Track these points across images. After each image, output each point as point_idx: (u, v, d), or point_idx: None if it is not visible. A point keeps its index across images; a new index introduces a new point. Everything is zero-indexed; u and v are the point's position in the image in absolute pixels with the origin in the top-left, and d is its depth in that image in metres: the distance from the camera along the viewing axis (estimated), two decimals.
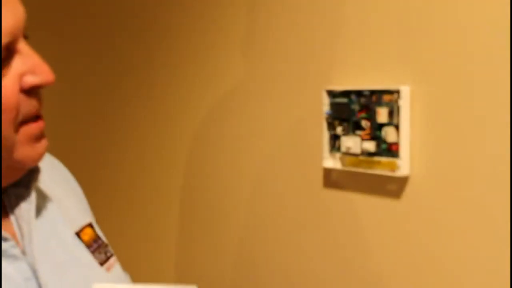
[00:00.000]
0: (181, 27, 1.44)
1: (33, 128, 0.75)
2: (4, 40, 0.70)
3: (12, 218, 0.80)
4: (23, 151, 0.75)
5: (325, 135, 1.09)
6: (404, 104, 0.97)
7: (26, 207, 0.80)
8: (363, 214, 1.07)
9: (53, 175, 0.91)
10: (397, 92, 0.98)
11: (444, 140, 0.95)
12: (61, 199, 0.88)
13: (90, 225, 0.90)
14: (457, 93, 0.93)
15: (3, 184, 0.78)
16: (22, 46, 0.73)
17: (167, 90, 1.49)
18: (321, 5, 1.12)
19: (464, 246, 0.93)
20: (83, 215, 0.90)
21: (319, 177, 1.13)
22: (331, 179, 1.12)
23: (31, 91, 0.74)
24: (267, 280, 1.26)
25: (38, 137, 0.77)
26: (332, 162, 1.10)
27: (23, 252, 0.77)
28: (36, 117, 0.76)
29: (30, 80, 0.73)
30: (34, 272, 0.76)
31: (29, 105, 0.74)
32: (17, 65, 0.73)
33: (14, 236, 0.78)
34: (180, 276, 1.48)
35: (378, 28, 1.02)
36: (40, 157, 0.77)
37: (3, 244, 0.75)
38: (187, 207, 1.47)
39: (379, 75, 1.03)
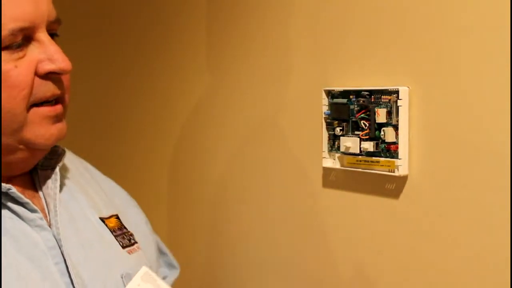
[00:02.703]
0: (177, 24, 1.45)
1: (46, 110, 0.84)
2: (18, 25, 0.79)
3: (41, 195, 0.89)
4: (34, 130, 0.83)
5: (324, 135, 1.10)
6: (403, 104, 0.98)
7: (52, 186, 0.89)
8: (362, 214, 1.07)
9: (81, 171, 1.01)
10: (396, 92, 0.99)
11: (443, 140, 0.95)
12: (87, 190, 0.97)
13: (116, 217, 0.98)
14: (455, 93, 0.93)
15: (28, 167, 0.88)
16: (43, 36, 0.82)
17: (161, 89, 1.50)
18: (321, 6, 1.12)
19: (463, 246, 0.94)
20: (109, 207, 0.98)
21: (318, 176, 1.14)
22: (330, 178, 1.13)
23: (47, 77, 0.83)
24: (266, 280, 1.27)
25: (52, 120, 0.85)
26: (331, 162, 1.10)
27: (50, 225, 0.86)
28: (54, 102, 0.85)
29: (47, 66, 0.82)
30: (58, 242, 0.85)
31: (44, 89, 0.83)
32: (33, 52, 0.82)
33: (42, 210, 0.87)
34: None
35: (377, 29, 1.03)
36: (52, 138, 0.85)
37: (32, 214, 0.84)
38: (179, 206, 1.47)
39: (378, 75, 1.03)
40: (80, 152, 1.05)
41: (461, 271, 0.94)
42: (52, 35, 0.85)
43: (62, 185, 0.92)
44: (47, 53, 0.82)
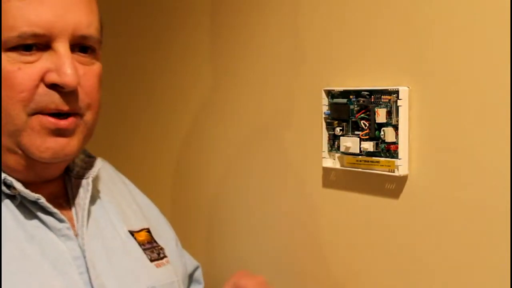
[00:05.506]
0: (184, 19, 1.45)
1: (47, 121, 0.82)
2: (31, 30, 0.79)
3: (72, 205, 0.89)
4: (30, 138, 0.82)
5: (324, 135, 1.10)
6: (403, 104, 0.98)
7: (83, 196, 0.89)
8: (362, 214, 1.07)
9: (118, 184, 1.01)
10: (396, 92, 0.99)
11: (443, 140, 0.95)
12: (120, 203, 0.97)
13: (147, 230, 0.98)
14: (455, 93, 0.93)
15: (48, 174, 0.87)
16: (60, 47, 0.81)
17: (164, 89, 1.50)
18: (321, 5, 1.12)
19: (463, 246, 0.94)
20: (141, 221, 0.98)
21: (318, 176, 1.14)
22: (330, 178, 1.13)
23: (54, 88, 0.81)
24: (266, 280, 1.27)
25: (52, 132, 0.82)
26: (331, 162, 1.10)
27: (76, 235, 0.86)
28: (61, 115, 0.82)
29: (52, 77, 0.81)
30: (83, 252, 0.85)
31: (47, 99, 0.81)
32: (46, 60, 0.81)
33: (71, 220, 0.87)
34: None
35: (377, 29, 1.03)
36: (47, 151, 0.83)
37: (59, 224, 0.85)
38: (181, 208, 1.47)
39: (378, 75, 1.03)
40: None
41: (461, 271, 0.94)
42: (85, 48, 0.85)
43: (94, 197, 0.92)
44: (56, 64, 0.81)
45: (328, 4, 1.11)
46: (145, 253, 0.94)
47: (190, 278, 1.13)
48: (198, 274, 1.15)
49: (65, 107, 0.82)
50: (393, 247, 1.03)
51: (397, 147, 0.99)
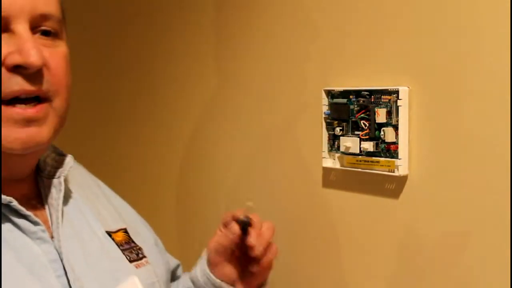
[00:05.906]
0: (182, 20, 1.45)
1: (14, 111, 0.77)
2: None
3: (46, 206, 0.86)
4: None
5: (324, 135, 1.10)
6: (403, 104, 0.98)
7: (56, 196, 0.86)
8: (362, 214, 1.07)
9: (91, 185, 0.98)
10: (396, 92, 0.99)
11: (443, 140, 0.95)
12: (95, 204, 0.94)
13: (124, 231, 0.95)
14: (455, 93, 0.93)
15: (19, 171, 0.83)
16: (19, 28, 0.76)
17: (167, 88, 1.50)
18: (321, 6, 1.12)
19: (463, 246, 0.93)
20: (117, 222, 0.95)
21: (318, 176, 1.14)
22: (330, 178, 1.13)
23: (17, 71, 0.76)
24: None
25: (21, 123, 0.77)
26: (331, 162, 1.10)
27: (52, 237, 0.82)
28: (29, 101, 0.77)
29: (14, 58, 0.76)
30: (60, 254, 0.82)
31: (11, 83, 0.76)
32: (6, 44, 0.76)
33: (46, 222, 0.84)
34: None
35: (377, 29, 1.03)
36: (16, 142, 0.78)
37: (33, 227, 0.81)
38: (184, 209, 1.47)
39: (378, 75, 1.03)
40: (86, 159, 1.04)
41: (462, 270, 0.94)
42: (48, 33, 0.80)
43: (67, 197, 0.89)
44: (17, 45, 0.76)
45: (328, 4, 1.11)
46: (123, 253, 0.91)
47: (173, 274, 1.11)
48: (180, 271, 1.14)
49: (30, 88, 0.77)
50: (393, 247, 1.03)
51: (397, 147, 0.99)
